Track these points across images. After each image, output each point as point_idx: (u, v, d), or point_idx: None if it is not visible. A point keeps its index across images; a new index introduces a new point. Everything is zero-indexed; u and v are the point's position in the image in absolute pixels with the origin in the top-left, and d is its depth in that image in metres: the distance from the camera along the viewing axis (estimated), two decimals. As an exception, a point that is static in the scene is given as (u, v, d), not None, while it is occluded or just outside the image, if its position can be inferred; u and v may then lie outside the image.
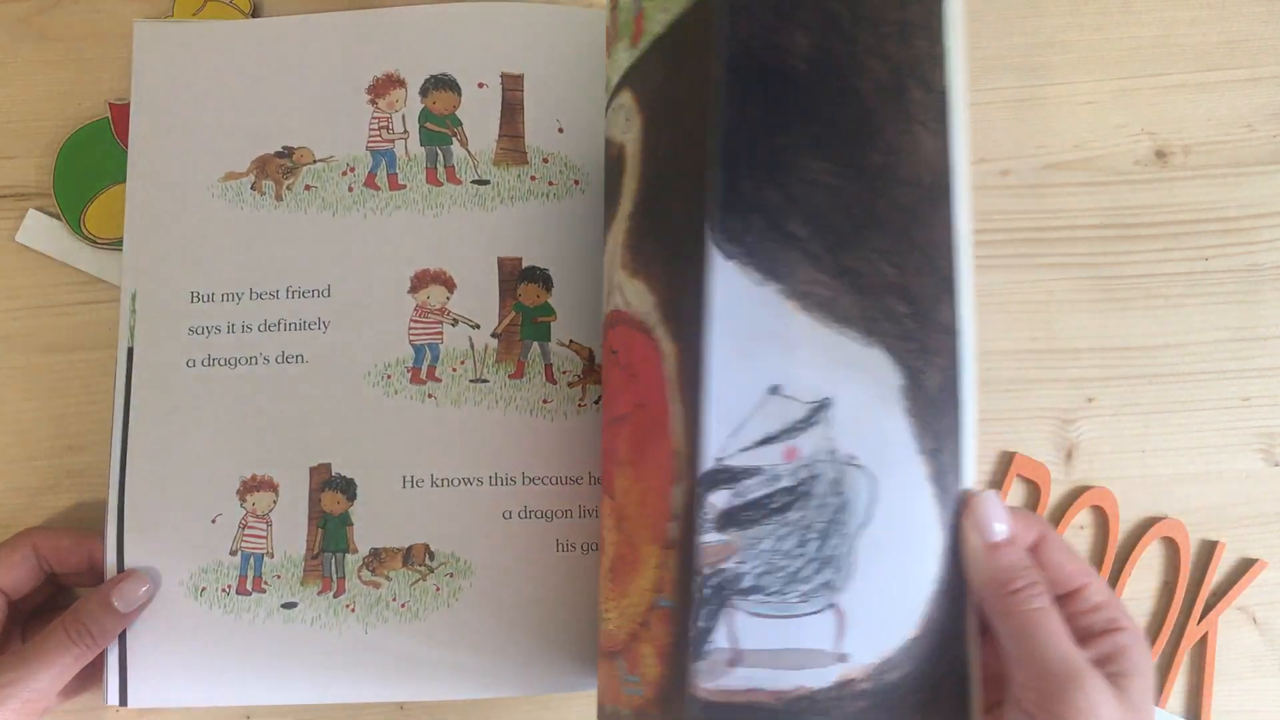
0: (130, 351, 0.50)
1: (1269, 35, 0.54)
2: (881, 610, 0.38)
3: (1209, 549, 0.51)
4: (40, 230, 0.53)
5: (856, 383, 0.38)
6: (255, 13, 0.54)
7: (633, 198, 0.41)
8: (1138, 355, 0.52)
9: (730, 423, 0.38)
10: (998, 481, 0.52)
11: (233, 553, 0.48)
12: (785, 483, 0.38)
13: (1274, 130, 0.53)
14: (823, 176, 0.38)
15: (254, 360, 0.49)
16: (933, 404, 0.38)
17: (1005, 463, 0.52)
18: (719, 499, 0.38)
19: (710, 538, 0.38)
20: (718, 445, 0.38)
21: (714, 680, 0.38)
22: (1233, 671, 0.51)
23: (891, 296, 0.38)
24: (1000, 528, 0.37)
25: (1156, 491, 0.52)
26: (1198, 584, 0.51)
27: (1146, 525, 0.51)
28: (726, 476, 0.39)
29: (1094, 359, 0.52)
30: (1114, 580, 0.51)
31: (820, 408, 0.38)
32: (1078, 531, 0.52)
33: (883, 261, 0.38)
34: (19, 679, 0.44)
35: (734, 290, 0.38)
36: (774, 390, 0.38)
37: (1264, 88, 0.54)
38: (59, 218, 0.52)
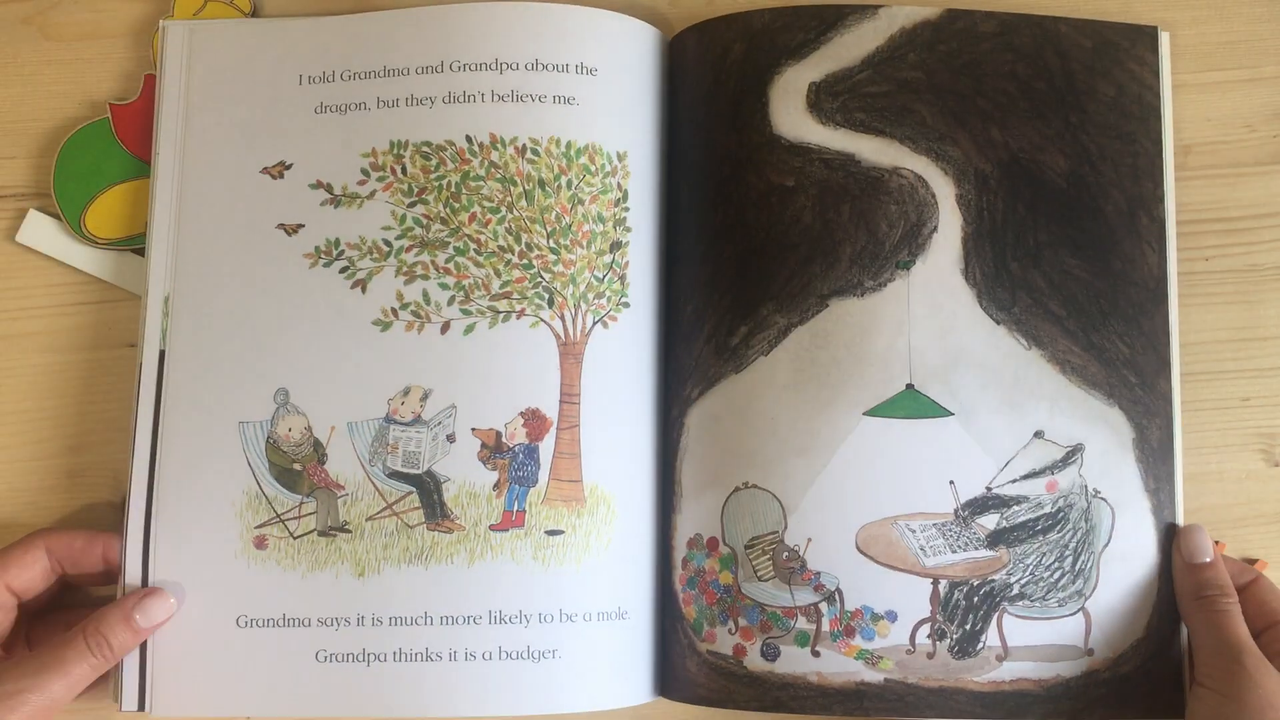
0: (162, 354, 0.50)
1: (1269, 35, 0.54)
2: (1118, 615, 0.48)
3: (1210, 548, 0.52)
4: (40, 230, 0.53)
5: (1101, 433, 0.49)
6: (255, 13, 0.54)
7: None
8: (1138, 355, 0.52)
9: (1001, 458, 0.49)
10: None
11: None
12: (1047, 509, 0.49)
13: (1274, 130, 0.53)
14: (1077, 271, 0.50)
15: None
16: (1155, 454, 0.50)
17: (1006, 463, 0.52)
18: (989, 521, 0.49)
19: (981, 553, 0.48)
20: (988, 476, 0.49)
21: (984, 674, 0.48)
22: (1233, 671, 0.51)
23: (1126, 369, 0.50)
24: (1205, 557, 0.47)
25: (1158, 491, 0.52)
26: (1199, 584, 0.52)
27: (1148, 525, 0.52)
28: (996, 502, 0.49)
29: (1094, 359, 0.52)
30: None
31: (1075, 450, 0.49)
32: (1078, 531, 0.52)
33: (1120, 341, 0.50)
34: (35, 685, 0.43)
35: (1005, 351, 0.49)
36: (1039, 434, 0.49)
37: (1264, 88, 0.54)
38: (59, 218, 0.52)
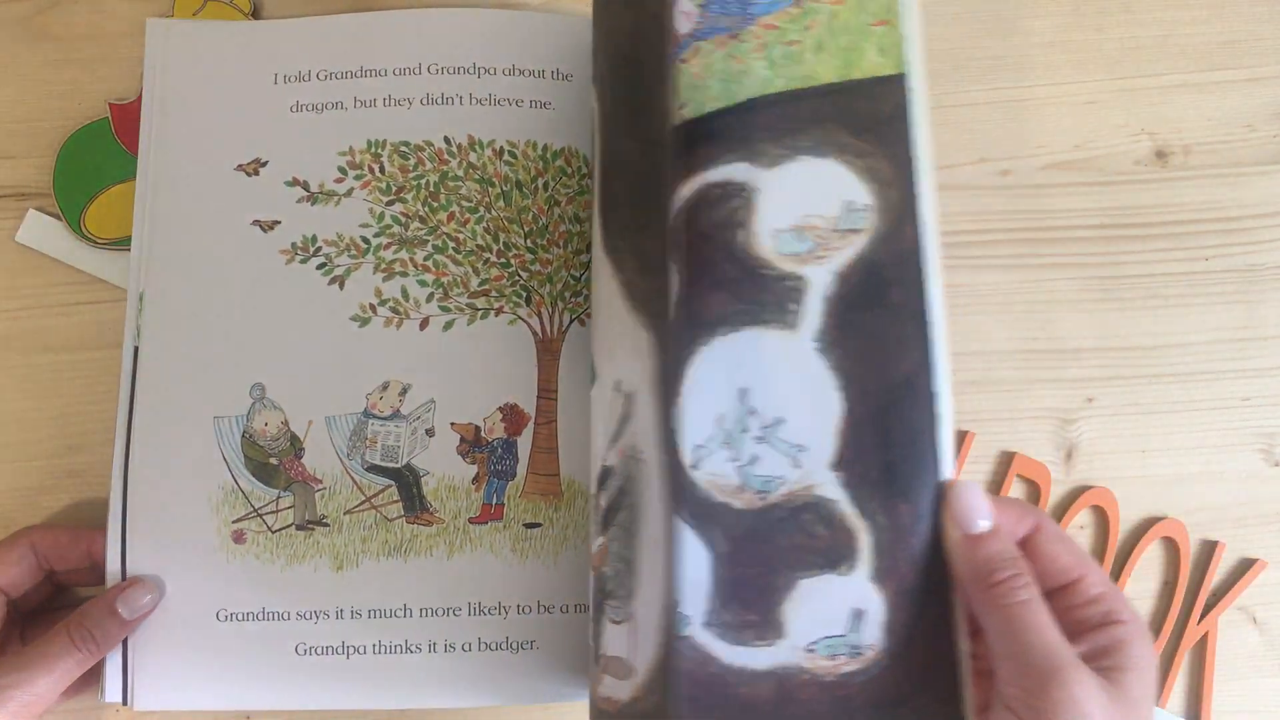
0: (136, 351, 0.50)
1: (1269, 35, 0.54)
2: (646, 624, 0.36)
3: (1209, 549, 0.51)
4: (40, 230, 0.53)
5: (633, 369, 0.37)
6: (255, 13, 0.54)
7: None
8: (1138, 355, 0.52)
9: (609, 422, 0.38)
10: (998, 482, 0.51)
11: None
12: (618, 481, 0.37)
13: (1274, 130, 0.53)
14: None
15: None
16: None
17: (1005, 463, 0.52)
18: (604, 499, 0.38)
19: (597, 541, 0.38)
20: (603, 443, 0.39)
21: (608, 690, 0.37)
22: (1233, 671, 0.51)
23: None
24: (983, 521, 0.36)
25: (1156, 491, 0.52)
26: (1198, 584, 0.51)
27: (1146, 525, 0.51)
28: (603, 475, 0.38)
29: (1094, 359, 0.52)
30: (1114, 580, 0.51)
31: (628, 401, 0.37)
32: (1077, 531, 0.52)
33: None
34: (20, 681, 0.43)
35: (611, 289, 0.38)
36: (616, 388, 0.38)
37: (1264, 88, 0.54)
38: (59, 218, 0.53)
